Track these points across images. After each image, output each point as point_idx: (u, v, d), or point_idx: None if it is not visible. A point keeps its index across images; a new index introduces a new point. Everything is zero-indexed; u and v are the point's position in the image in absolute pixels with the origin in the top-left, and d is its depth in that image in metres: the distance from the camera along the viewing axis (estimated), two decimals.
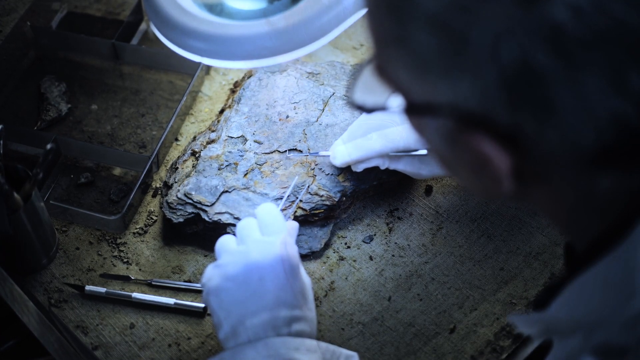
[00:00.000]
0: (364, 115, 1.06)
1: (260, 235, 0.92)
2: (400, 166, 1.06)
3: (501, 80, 0.53)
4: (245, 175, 1.09)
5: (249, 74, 1.23)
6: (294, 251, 0.91)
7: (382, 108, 0.65)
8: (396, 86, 0.61)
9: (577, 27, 0.50)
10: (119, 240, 1.10)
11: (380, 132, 1.02)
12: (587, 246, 0.59)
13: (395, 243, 1.10)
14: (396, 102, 0.85)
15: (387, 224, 1.11)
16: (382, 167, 1.05)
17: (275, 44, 0.93)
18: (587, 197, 0.58)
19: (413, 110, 0.62)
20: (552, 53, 0.50)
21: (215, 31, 0.95)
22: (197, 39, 0.95)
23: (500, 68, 0.52)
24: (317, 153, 1.09)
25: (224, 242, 0.92)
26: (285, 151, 1.11)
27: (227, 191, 1.08)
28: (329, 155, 1.07)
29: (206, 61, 0.96)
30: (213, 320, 0.90)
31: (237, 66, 0.96)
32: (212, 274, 0.90)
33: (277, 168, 1.10)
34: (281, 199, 1.06)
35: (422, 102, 0.59)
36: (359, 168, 1.05)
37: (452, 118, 0.57)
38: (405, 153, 1.04)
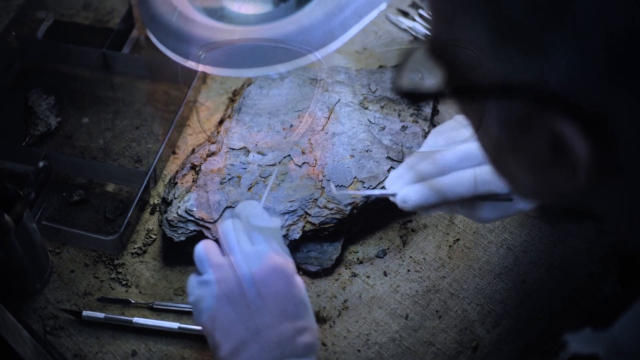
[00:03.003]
0: (428, 144, 0.94)
1: (248, 243, 0.85)
2: (479, 213, 0.92)
3: (604, 50, 0.46)
4: (250, 189, 1.03)
5: (248, 82, 1.17)
6: (285, 255, 0.85)
7: (432, 95, 0.59)
8: (457, 66, 0.55)
9: None
10: (116, 262, 1.04)
11: (466, 172, 0.89)
12: None
13: (410, 257, 1.04)
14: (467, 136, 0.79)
15: (401, 237, 1.05)
16: (450, 213, 0.94)
17: (282, 50, 0.87)
18: None
19: (476, 92, 0.55)
20: None
21: (218, 38, 0.89)
22: (197, 46, 0.89)
23: (605, 35, 0.46)
24: (377, 192, 0.95)
25: (207, 252, 0.86)
26: (330, 185, 1.01)
27: (231, 207, 1.02)
28: (394, 194, 0.92)
29: (208, 70, 0.90)
30: (208, 340, 0.84)
31: (244, 74, 0.90)
32: (201, 294, 0.84)
33: (282, 181, 1.04)
34: (289, 213, 1.00)
35: (493, 81, 0.53)
36: (429, 212, 0.93)
37: (530, 99, 0.50)
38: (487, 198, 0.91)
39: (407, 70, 0.60)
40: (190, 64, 0.93)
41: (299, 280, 0.86)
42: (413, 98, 0.60)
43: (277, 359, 0.80)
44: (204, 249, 0.87)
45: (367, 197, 1.02)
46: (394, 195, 0.91)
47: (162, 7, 0.91)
